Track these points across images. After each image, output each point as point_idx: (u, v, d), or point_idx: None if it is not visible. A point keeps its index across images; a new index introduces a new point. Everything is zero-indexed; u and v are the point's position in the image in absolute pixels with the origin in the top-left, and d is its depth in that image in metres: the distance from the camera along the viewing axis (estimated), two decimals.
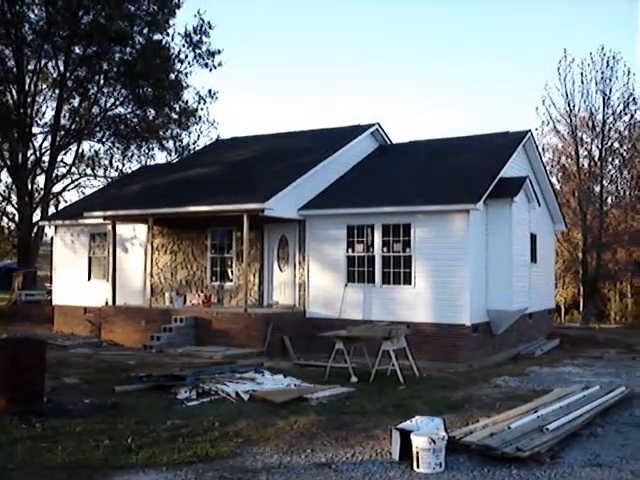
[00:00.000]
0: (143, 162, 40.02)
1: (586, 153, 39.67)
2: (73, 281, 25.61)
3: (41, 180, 37.97)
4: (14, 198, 37.24)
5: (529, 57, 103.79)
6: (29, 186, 36.44)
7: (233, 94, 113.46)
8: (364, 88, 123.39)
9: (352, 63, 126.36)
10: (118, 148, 40.60)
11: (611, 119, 38.54)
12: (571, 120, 39.17)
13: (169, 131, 40.38)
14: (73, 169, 40.24)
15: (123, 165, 41.09)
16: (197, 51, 38.17)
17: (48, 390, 11.89)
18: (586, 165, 39.79)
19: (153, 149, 40.69)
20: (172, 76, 37.62)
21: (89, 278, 25.44)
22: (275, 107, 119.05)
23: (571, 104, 38.95)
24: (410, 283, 19.22)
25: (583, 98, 38.62)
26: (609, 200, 40.54)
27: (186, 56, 38.09)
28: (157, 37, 37.07)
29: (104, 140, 39.89)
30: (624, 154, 39.79)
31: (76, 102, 37.92)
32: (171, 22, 37.52)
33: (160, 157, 52.30)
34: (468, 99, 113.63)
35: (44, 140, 37.75)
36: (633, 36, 75.34)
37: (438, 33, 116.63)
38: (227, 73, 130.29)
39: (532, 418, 9.80)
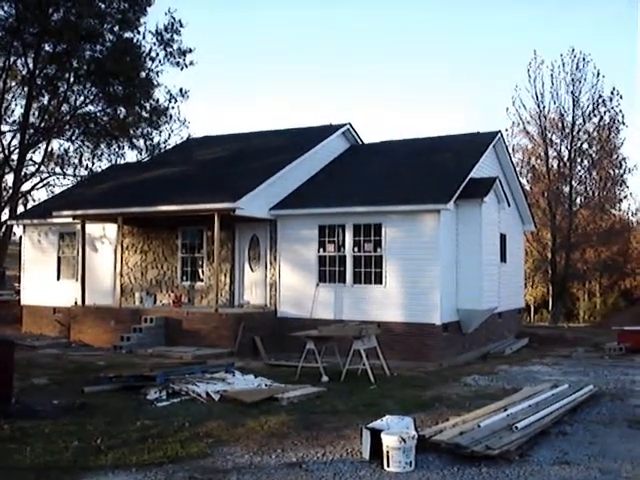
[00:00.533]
0: (113, 161, 39.72)
1: (555, 154, 40.10)
2: (42, 281, 25.36)
3: (10, 179, 37.56)
4: None
5: (503, 57, 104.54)
6: None
7: (205, 93, 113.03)
8: (339, 88, 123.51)
9: (327, 63, 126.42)
10: (88, 147, 40.24)
11: (580, 120, 39.03)
12: (541, 121, 39.59)
13: (140, 130, 40.06)
14: (42, 168, 39.86)
15: (93, 164, 40.73)
16: (168, 49, 37.92)
17: (16, 391, 11.76)
18: (555, 166, 40.21)
19: (123, 148, 40.38)
20: (143, 74, 37.33)
21: (58, 278, 25.21)
22: (247, 106, 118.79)
23: (541, 105, 39.41)
24: (381, 283, 19.27)
25: (553, 99, 39.13)
26: (578, 200, 40.98)
27: (157, 54, 37.84)
28: (128, 35, 36.78)
29: (74, 138, 39.52)
30: (593, 155, 40.26)
31: (45, 100, 37.53)
32: (142, 20, 37.21)
33: (130, 156, 51.86)
34: (448, 99, 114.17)
35: (13, 138, 37.35)
36: (605, 38, 76.32)
37: (420, 32, 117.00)
38: (199, 71, 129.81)
39: (502, 417, 9.87)
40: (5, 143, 37.03)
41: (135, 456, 8.46)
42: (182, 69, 38.60)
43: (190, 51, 38.57)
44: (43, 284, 25.27)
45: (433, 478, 7.75)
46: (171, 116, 40.65)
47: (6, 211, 36.02)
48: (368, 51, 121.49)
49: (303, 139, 23.89)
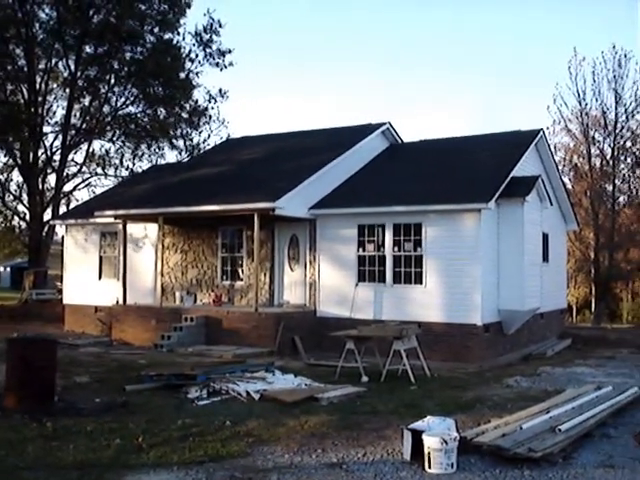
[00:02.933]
0: (153, 161, 40.12)
1: (598, 152, 39.58)
2: (84, 280, 25.64)
3: (52, 179, 38.15)
4: (25, 197, 37.40)
5: (539, 57, 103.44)
6: (40, 185, 36.57)
7: (244, 93, 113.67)
8: (376, 88, 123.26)
9: (363, 64, 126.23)
10: (128, 147, 40.71)
11: (623, 117, 38.47)
12: (583, 119, 39.09)
13: (179, 130, 40.41)
14: (84, 168, 40.44)
15: (133, 164, 41.22)
16: (207, 50, 38.24)
17: (59, 389, 11.90)
18: (598, 164, 39.69)
19: (163, 148, 40.78)
20: (182, 75, 37.67)
21: (100, 277, 25.47)
22: (286, 106, 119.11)
23: (582, 103, 38.88)
24: (421, 282, 19.15)
25: (595, 97, 38.58)
26: (621, 199, 40.44)
27: (196, 55, 38.18)
28: (167, 36, 37.16)
29: (114, 139, 39.98)
30: (636, 153, 39.64)
31: (87, 101, 38.03)
32: (182, 21, 37.61)
33: (170, 156, 52.38)
34: (478, 99, 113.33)
35: (55, 139, 37.96)
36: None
37: (447, 34, 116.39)
38: (239, 72, 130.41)
39: (544, 419, 9.74)
40: (47, 144, 37.64)
41: (176, 454, 8.49)
42: (221, 70, 38.92)
43: (229, 52, 38.85)
44: (85, 283, 25.54)
45: None
46: (210, 116, 40.97)
47: (49, 211, 36.55)
48: (409, 52, 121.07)
49: (342, 139, 23.83)
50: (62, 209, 37.23)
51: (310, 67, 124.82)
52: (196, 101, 39.69)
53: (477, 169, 20.51)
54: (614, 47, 38.35)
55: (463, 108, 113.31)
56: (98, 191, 39.45)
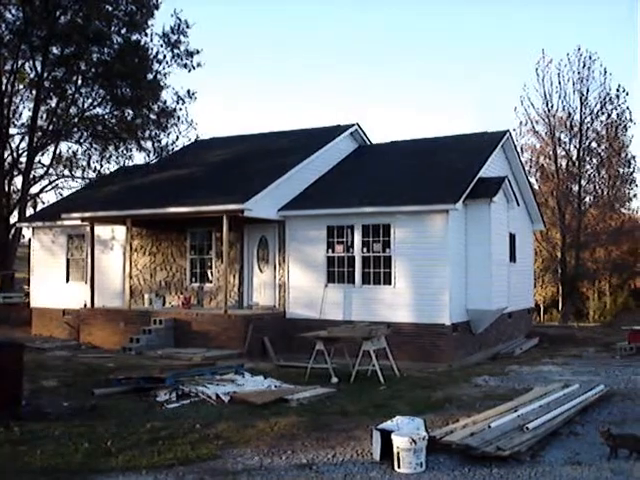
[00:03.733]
0: (121, 163, 39.77)
1: (564, 153, 39.95)
2: (51, 283, 25.42)
3: (18, 181, 37.61)
4: None
5: (510, 57, 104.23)
6: (6, 187, 36.09)
7: (213, 93, 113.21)
8: (347, 89, 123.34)
9: (335, 64, 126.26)
10: (96, 149, 40.28)
11: (588, 119, 38.86)
12: (549, 120, 39.45)
13: (147, 132, 40.07)
14: (51, 170, 39.92)
15: (101, 166, 40.77)
16: (175, 51, 37.93)
17: (26, 393, 11.80)
18: (564, 165, 40.06)
19: (131, 150, 40.39)
20: (150, 76, 37.39)
21: (67, 280, 25.27)
22: (255, 108, 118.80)
23: (549, 104, 39.23)
24: (390, 283, 19.24)
25: (561, 99, 38.93)
26: (587, 199, 40.82)
27: (164, 56, 37.84)
28: (135, 37, 36.79)
29: (82, 141, 39.57)
30: (602, 154, 40.10)
31: (53, 103, 37.58)
32: (149, 22, 37.32)
33: (138, 158, 52.15)
34: (453, 100, 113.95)
35: (21, 141, 37.42)
36: (612, 35, 76.11)
37: (423, 33, 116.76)
38: (207, 72, 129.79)
39: (512, 417, 9.84)
40: (14, 146, 37.12)
41: (145, 458, 8.47)
42: (190, 71, 38.63)
43: (197, 52, 38.57)
44: (52, 286, 25.33)
45: (444, 479, 7.73)
46: (179, 118, 40.67)
47: (15, 213, 36.07)
48: (373, 51, 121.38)
49: (311, 140, 23.87)
50: (29, 211, 36.81)
51: (282, 68, 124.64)
52: (164, 102, 39.40)
53: (445, 170, 20.66)
54: (579, 49, 38.79)
55: (451, 109, 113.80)
56: (65, 193, 39.02)
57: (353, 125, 24.68)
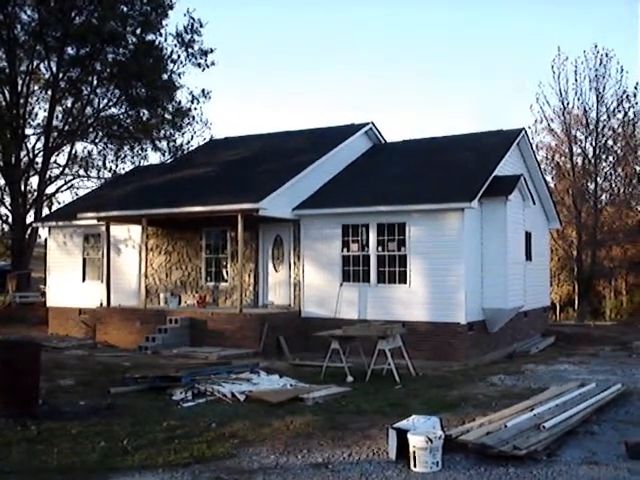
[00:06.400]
0: (136, 163, 39.94)
1: (580, 151, 39.69)
2: (67, 282, 25.53)
3: (34, 181, 37.89)
4: (7, 200, 37.11)
5: (525, 56, 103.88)
6: (22, 187, 36.32)
7: (227, 93, 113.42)
8: (361, 88, 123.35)
9: (349, 63, 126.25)
10: (111, 149, 40.52)
11: (605, 117, 38.56)
12: (565, 118, 39.19)
13: (162, 131, 40.27)
14: (66, 170, 40.17)
15: (116, 166, 41.01)
16: (189, 50, 38.09)
17: (43, 392, 11.85)
18: (580, 163, 39.80)
19: (146, 150, 40.61)
20: (165, 76, 37.53)
21: (83, 279, 25.37)
22: (269, 107, 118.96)
23: (565, 102, 38.98)
24: (405, 282, 19.20)
25: (577, 96, 38.64)
26: (603, 197, 40.52)
27: (178, 56, 38.01)
28: (150, 37, 36.96)
29: (97, 141, 39.81)
30: (618, 151, 39.80)
31: (69, 103, 37.84)
32: (164, 22, 37.45)
33: (153, 158, 52.33)
34: (464, 99, 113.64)
35: (37, 141, 37.68)
36: (629, 34, 75.62)
37: (434, 33, 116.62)
38: (221, 72, 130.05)
39: (528, 416, 9.79)
40: (30, 146, 37.37)
41: (162, 457, 8.49)
42: (203, 70, 38.80)
43: (211, 51, 38.72)
44: (68, 286, 25.43)
45: (460, 478, 7.70)
46: (193, 117, 40.87)
47: (31, 213, 36.33)
48: (388, 52, 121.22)
49: (325, 139, 23.86)
50: (45, 211, 37.00)
51: (297, 67, 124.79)
52: (179, 102, 39.58)
53: (460, 169, 20.58)
54: (596, 46, 38.52)
55: (458, 108, 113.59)
56: (81, 193, 39.25)
57: (367, 124, 24.63)
